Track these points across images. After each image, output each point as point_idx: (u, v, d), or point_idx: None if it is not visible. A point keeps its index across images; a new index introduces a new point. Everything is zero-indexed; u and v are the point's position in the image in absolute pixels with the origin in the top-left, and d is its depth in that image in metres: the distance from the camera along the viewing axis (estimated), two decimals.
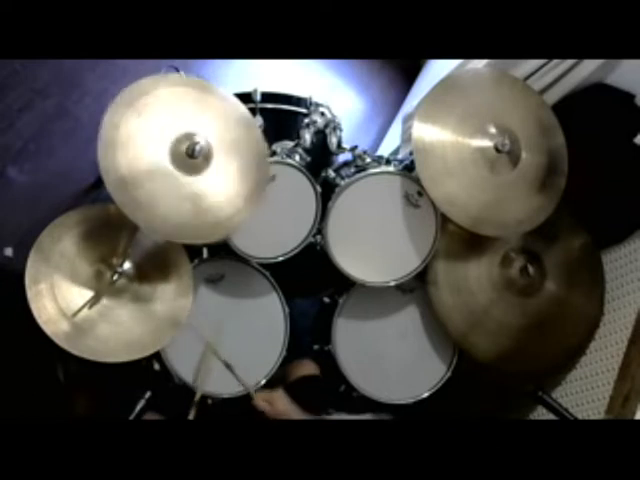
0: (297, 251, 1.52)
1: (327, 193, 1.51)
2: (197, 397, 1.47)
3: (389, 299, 1.62)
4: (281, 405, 1.47)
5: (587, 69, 1.50)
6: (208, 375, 1.50)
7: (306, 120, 1.59)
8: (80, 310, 1.33)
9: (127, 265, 1.40)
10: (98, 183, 1.98)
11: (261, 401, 1.48)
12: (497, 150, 1.41)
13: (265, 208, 1.41)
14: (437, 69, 2.03)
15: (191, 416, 1.45)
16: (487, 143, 1.42)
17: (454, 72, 1.67)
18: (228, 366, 1.50)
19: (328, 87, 2.43)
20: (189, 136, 1.32)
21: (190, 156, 1.31)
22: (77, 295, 1.35)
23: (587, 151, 1.50)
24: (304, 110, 1.62)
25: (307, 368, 1.66)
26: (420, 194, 1.49)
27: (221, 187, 1.36)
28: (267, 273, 1.58)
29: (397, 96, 2.48)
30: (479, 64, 1.62)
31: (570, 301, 1.56)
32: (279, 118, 1.61)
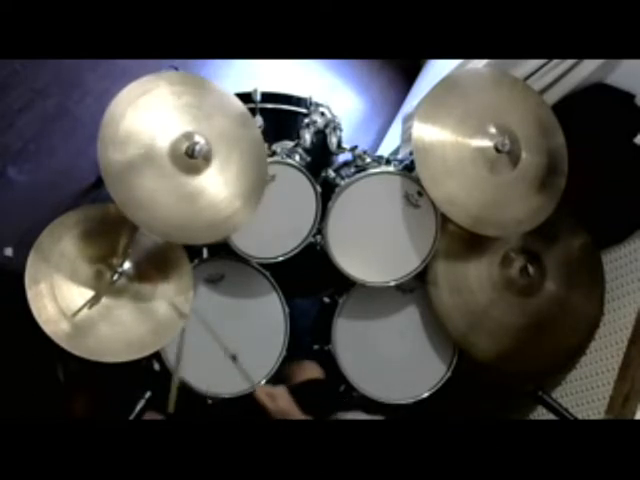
0: (297, 251, 1.52)
1: (327, 193, 1.51)
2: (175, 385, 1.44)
3: (389, 299, 1.62)
4: (283, 402, 1.46)
5: (587, 69, 1.50)
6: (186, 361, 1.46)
7: (306, 120, 1.59)
8: (80, 310, 1.33)
9: (127, 265, 1.39)
10: (98, 183, 1.98)
11: (264, 395, 1.47)
12: (497, 150, 1.42)
13: (265, 208, 1.41)
14: (437, 69, 2.03)
15: (170, 408, 1.42)
16: (487, 143, 1.42)
17: (454, 72, 1.67)
18: (234, 358, 1.48)
19: (328, 87, 2.43)
20: (189, 136, 1.32)
21: (190, 156, 1.31)
22: (77, 295, 1.35)
23: (587, 151, 1.50)
24: (304, 110, 1.62)
25: (312, 371, 1.65)
26: (420, 194, 1.49)
27: (220, 187, 1.36)
28: (267, 273, 1.58)
29: (397, 96, 2.48)
30: (479, 64, 1.62)
31: (570, 301, 1.56)
32: (279, 118, 1.61)
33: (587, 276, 1.59)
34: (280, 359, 1.58)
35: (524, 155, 1.45)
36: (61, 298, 1.32)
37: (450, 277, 1.55)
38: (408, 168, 1.53)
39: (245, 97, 1.49)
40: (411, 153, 1.47)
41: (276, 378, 1.58)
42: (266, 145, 1.46)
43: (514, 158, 1.44)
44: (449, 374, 1.62)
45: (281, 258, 1.52)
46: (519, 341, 1.53)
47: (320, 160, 1.60)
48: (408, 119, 1.94)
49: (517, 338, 1.53)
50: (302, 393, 1.58)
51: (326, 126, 1.60)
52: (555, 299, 1.55)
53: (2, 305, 1.60)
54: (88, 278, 1.37)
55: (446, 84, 1.47)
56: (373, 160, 1.57)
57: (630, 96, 1.52)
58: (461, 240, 1.54)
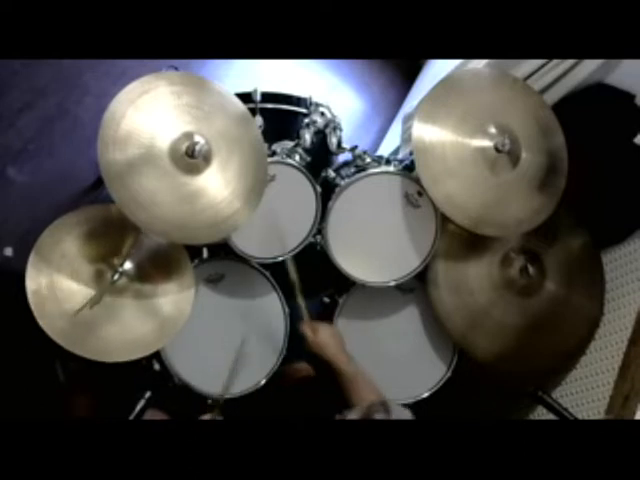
0: (297, 251, 1.52)
1: (327, 193, 1.51)
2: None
3: (389, 299, 1.62)
4: (322, 336, 1.45)
5: (587, 69, 1.50)
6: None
7: (306, 120, 1.59)
8: (81, 310, 1.33)
9: (128, 265, 1.40)
10: (98, 183, 1.98)
11: (307, 328, 1.47)
12: (497, 150, 1.42)
13: (265, 208, 1.41)
14: (437, 69, 2.03)
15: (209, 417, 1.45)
16: (487, 143, 1.42)
17: (454, 72, 1.67)
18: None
19: (328, 87, 2.43)
20: (189, 136, 1.32)
21: (190, 156, 1.30)
22: (78, 295, 1.35)
23: (587, 151, 1.50)
24: (304, 110, 1.62)
25: (301, 370, 1.66)
26: (420, 194, 1.49)
27: (220, 187, 1.36)
28: (267, 273, 1.58)
29: (397, 96, 2.48)
30: (479, 64, 1.62)
31: (570, 301, 1.56)
32: (279, 118, 1.61)
33: (587, 276, 1.59)
34: (280, 359, 1.58)
35: (524, 155, 1.45)
36: (62, 298, 1.33)
37: (450, 277, 1.55)
38: (408, 168, 1.53)
39: (245, 97, 1.49)
40: (411, 153, 1.47)
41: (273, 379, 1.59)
42: (266, 145, 1.46)
43: (514, 158, 1.44)
44: (449, 374, 1.62)
45: (281, 258, 1.52)
46: (519, 341, 1.53)
47: (320, 160, 1.60)
48: (408, 119, 1.94)
49: (517, 338, 1.53)
50: (294, 392, 1.58)
51: (326, 126, 1.60)
52: (555, 299, 1.56)
53: (2, 305, 1.60)
54: (89, 278, 1.37)
55: (446, 84, 1.47)
56: (373, 160, 1.57)
57: (630, 96, 1.52)
58: (461, 240, 1.54)
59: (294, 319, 1.59)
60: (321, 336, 1.45)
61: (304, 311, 1.50)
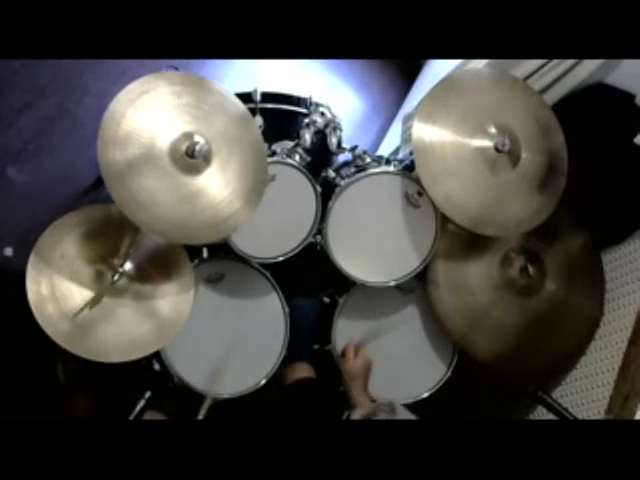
0: (297, 251, 1.52)
1: (327, 193, 1.51)
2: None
3: (389, 299, 1.62)
4: (359, 363, 1.53)
5: (587, 69, 1.50)
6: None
7: (306, 120, 1.59)
8: (81, 311, 1.33)
9: (128, 265, 1.39)
10: (98, 183, 1.98)
11: (352, 349, 1.55)
12: (497, 150, 1.42)
13: (265, 208, 1.41)
14: (437, 69, 2.04)
15: (201, 415, 1.45)
16: (487, 143, 1.42)
17: (454, 72, 1.67)
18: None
19: (328, 87, 2.43)
20: (189, 136, 1.32)
21: (190, 156, 1.30)
22: (78, 296, 1.34)
23: (587, 151, 1.50)
24: (304, 110, 1.62)
25: (302, 371, 1.66)
26: (420, 194, 1.49)
27: (220, 187, 1.36)
28: (267, 273, 1.58)
29: (397, 96, 2.49)
30: (479, 64, 1.62)
31: (570, 301, 1.56)
32: (279, 118, 1.61)
33: (587, 276, 1.59)
34: (280, 359, 1.58)
35: (524, 155, 1.45)
36: (62, 299, 1.32)
37: (450, 277, 1.55)
38: (408, 168, 1.53)
39: (245, 97, 1.49)
40: (411, 153, 1.47)
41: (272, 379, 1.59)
42: (266, 145, 1.46)
43: (514, 158, 1.44)
44: (449, 374, 1.62)
45: (281, 258, 1.52)
46: (519, 341, 1.53)
47: (320, 160, 1.60)
48: (408, 119, 1.95)
49: (517, 338, 1.53)
50: (294, 392, 1.58)
51: (326, 126, 1.60)
52: (555, 299, 1.55)
53: (2, 305, 1.60)
54: (89, 279, 1.37)
55: (446, 84, 1.47)
56: (373, 160, 1.57)
57: (630, 96, 1.52)
58: (461, 240, 1.54)
59: (294, 319, 1.60)
60: (358, 363, 1.52)
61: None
